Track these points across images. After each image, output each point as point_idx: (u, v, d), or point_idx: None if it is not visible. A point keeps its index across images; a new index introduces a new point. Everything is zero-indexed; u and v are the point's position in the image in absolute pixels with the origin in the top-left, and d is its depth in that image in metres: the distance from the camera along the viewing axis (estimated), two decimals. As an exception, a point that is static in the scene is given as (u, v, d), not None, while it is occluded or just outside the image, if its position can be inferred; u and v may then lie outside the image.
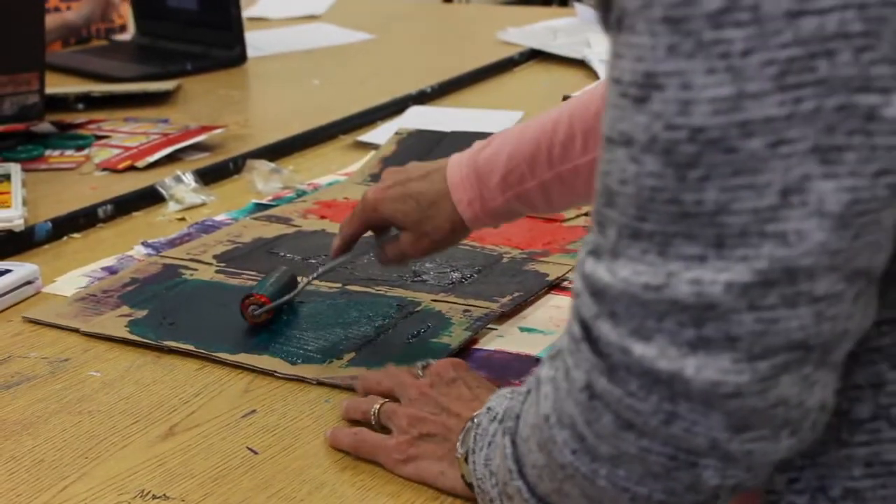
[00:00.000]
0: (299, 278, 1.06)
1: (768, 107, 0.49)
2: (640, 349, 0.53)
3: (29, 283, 1.13)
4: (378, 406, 0.84)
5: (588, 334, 0.56)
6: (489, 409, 0.72)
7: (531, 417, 0.62)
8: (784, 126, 0.49)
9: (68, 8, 2.32)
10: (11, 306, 1.10)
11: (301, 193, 1.40)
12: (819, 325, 0.52)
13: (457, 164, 0.93)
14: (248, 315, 1.00)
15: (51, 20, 2.15)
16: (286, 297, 1.01)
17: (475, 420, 0.73)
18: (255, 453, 0.83)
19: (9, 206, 1.30)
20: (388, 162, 1.45)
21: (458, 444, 0.75)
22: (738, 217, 0.50)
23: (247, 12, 2.40)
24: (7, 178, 1.39)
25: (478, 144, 0.94)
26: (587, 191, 0.82)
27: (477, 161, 0.93)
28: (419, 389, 0.83)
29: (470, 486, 0.73)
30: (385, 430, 0.83)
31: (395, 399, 0.85)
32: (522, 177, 0.91)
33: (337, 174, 1.49)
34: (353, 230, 0.98)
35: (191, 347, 0.98)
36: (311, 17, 2.62)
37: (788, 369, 0.52)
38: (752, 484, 0.57)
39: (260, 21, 2.58)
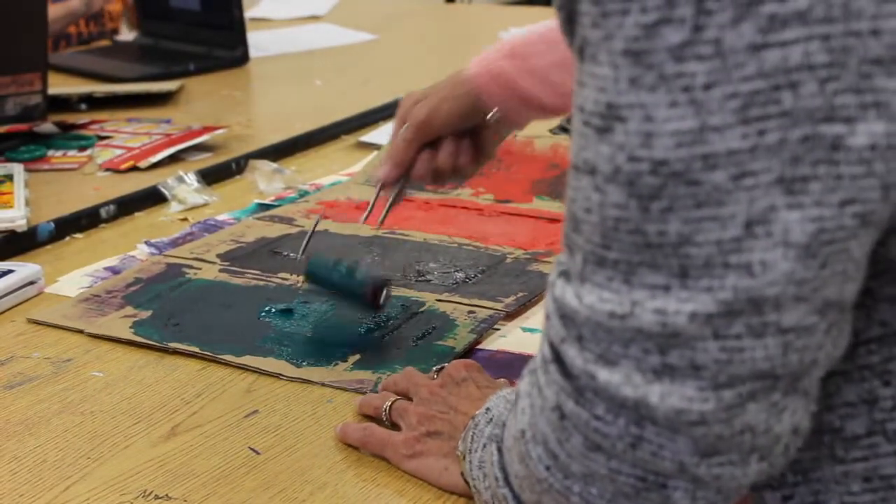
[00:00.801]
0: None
1: (731, 139, 0.48)
2: (605, 375, 0.53)
3: (31, 283, 1.12)
4: (390, 403, 0.84)
5: (557, 356, 0.56)
6: (488, 409, 0.73)
7: (512, 429, 0.63)
8: (748, 158, 0.48)
9: None
10: (14, 306, 1.10)
11: (303, 194, 1.40)
12: (786, 355, 0.52)
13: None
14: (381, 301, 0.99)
15: (56, 10, 2.15)
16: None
17: (475, 419, 0.73)
18: (258, 453, 0.83)
19: (11, 207, 1.30)
20: (390, 162, 1.45)
21: (460, 441, 0.75)
22: (702, 248, 0.50)
23: (249, 13, 2.40)
24: (10, 178, 1.39)
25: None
26: None
27: (504, 42, 0.95)
28: (430, 389, 0.84)
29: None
30: (396, 427, 0.83)
31: (409, 398, 0.85)
32: (527, 52, 0.93)
33: (339, 174, 1.49)
34: (410, 153, 0.97)
35: (196, 349, 0.98)
36: (314, 18, 2.62)
37: (755, 397, 0.52)
38: None
39: (262, 21, 2.57)
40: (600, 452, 0.55)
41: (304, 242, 1.04)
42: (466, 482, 0.73)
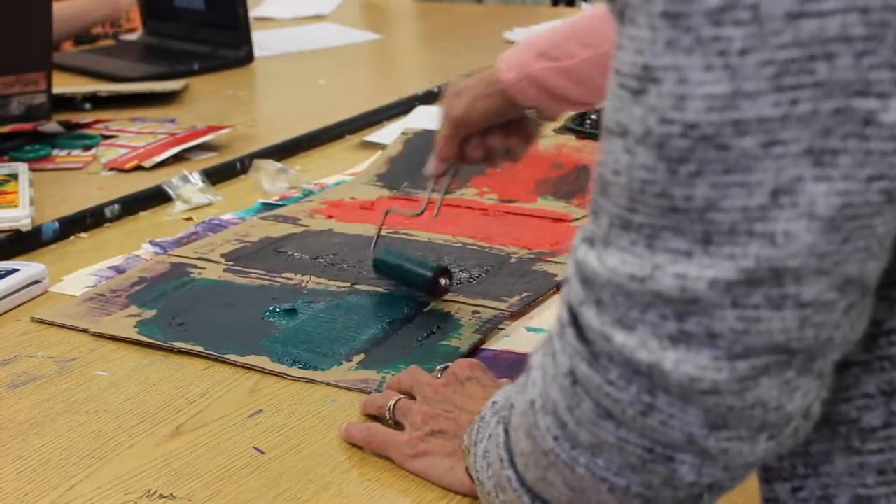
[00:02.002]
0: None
1: (763, 106, 0.48)
2: (621, 339, 0.53)
3: (36, 282, 1.13)
4: (393, 402, 0.84)
5: (574, 320, 0.56)
6: (494, 402, 0.72)
7: (521, 404, 0.62)
8: (778, 127, 0.49)
9: None
10: (19, 306, 1.10)
11: (308, 193, 1.40)
12: (803, 329, 0.52)
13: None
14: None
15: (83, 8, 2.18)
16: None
17: (481, 413, 0.73)
18: (262, 453, 0.83)
19: (16, 206, 1.30)
20: (395, 162, 1.45)
21: (465, 436, 0.75)
22: (727, 215, 0.50)
23: (253, 12, 2.41)
24: (14, 177, 1.39)
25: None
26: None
27: (539, 34, 0.98)
28: (434, 388, 0.84)
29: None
30: (399, 426, 0.83)
31: (413, 397, 0.85)
32: (558, 53, 0.96)
33: (344, 174, 1.49)
34: (452, 148, 1.01)
35: (200, 349, 0.98)
36: (318, 17, 2.62)
37: (769, 372, 0.52)
38: (729, 485, 0.57)
39: (266, 21, 2.58)
40: (610, 420, 0.55)
41: (375, 238, 1.11)
42: (471, 478, 0.73)
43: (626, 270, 0.53)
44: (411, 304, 1.05)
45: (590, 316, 0.54)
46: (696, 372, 0.52)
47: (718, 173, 0.50)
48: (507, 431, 0.65)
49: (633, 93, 0.51)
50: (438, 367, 0.88)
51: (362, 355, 0.96)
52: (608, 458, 0.57)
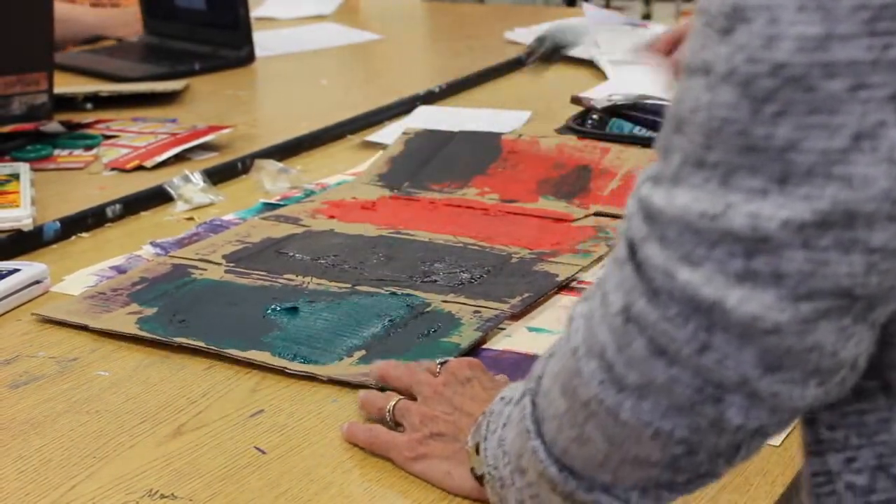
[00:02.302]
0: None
1: (855, 50, 0.49)
2: (685, 275, 0.53)
3: (37, 282, 1.13)
4: (394, 403, 0.84)
5: (634, 256, 0.56)
6: (502, 398, 0.72)
7: (556, 363, 0.62)
8: (868, 70, 0.49)
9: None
10: (20, 306, 1.10)
11: (309, 193, 1.40)
12: (868, 275, 0.52)
13: None
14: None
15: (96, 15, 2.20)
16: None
17: (489, 410, 0.73)
18: (263, 453, 0.83)
19: (17, 206, 1.30)
20: (396, 161, 1.45)
21: (468, 438, 0.75)
22: (807, 156, 0.50)
23: (255, 12, 2.41)
24: (16, 177, 1.39)
25: None
26: None
27: None
28: (434, 388, 0.83)
29: (480, 478, 0.73)
30: (400, 426, 0.83)
31: (413, 396, 0.85)
32: None
33: (345, 174, 1.49)
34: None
35: (201, 344, 0.98)
36: (319, 18, 2.62)
37: (829, 315, 0.53)
38: (773, 431, 0.58)
39: (268, 21, 2.58)
40: (663, 358, 0.55)
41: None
42: (478, 477, 0.73)
43: (697, 208, 0.53)
44: (412, 304, 1.05)
45: (653, 251, 0.55)
46: (759, 311, 0.52)
47: (802, 114, 0.50)
48: (534, 402, 0.65)
49: (721, 31, 0.52)
50: (438, 361, 0.88)
51: (363, 351, 0.96)
52: (655, 399, 0.56)
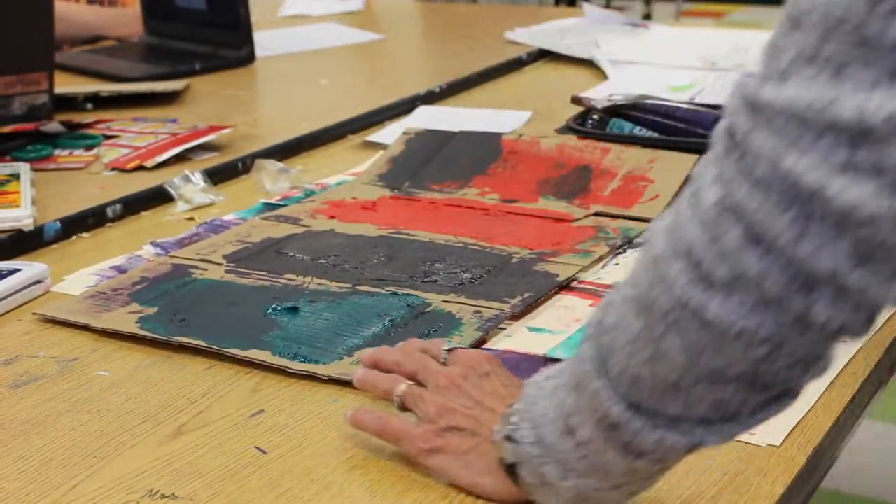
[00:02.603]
0: None
1: None
2: (790, 162, 0.55)
3: (38, 282, 1.13)
4: (403, 388, 0.81)
5: (737, 147, 0.57)
6: (535, 382, 0.72)
7: (627, 288, 0.63)
8: None
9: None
10: (20, 305, 1.10)
11: (309, 193, 1.40)
12: None
13: None
14: None
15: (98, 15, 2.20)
16: None
17: (513, 405, 0.72)
18: (264, 453, 0.83)
19: (18, 206, 1.30)
20: (396, 162, 1.45)
21: (495, 429, 0.73)
22: None
23: (281, 11, 2.42)
24: (16, 177, 1.39)
25: None
26: None
27: None
28: (450, 378, 0.80)
29: (511, 467, 0.72)
30: (407, 411, 0.81)
31: (418, 382, 0.82)
32: None
33: (345, 174, 1.49)
34: None
35: (202, 343, 0.98)
36: (349, 14, 2.63)
37: None
38: (853, 332, 0.58)
39: (299, 18, 2.58)
40: (758, 246, 0.56)
41: None
42: (508, 468, 0.72)
43: (807, 98, 0.54)
44: (412, 304, 1.05)
45: (759, 141, 0.56)
46: (857, 201, 0.54)
47: None
48: (598, 345, 0.65)
49: None
50: (444, 348, 0.84)
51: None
52: (744, 294, 0.57)
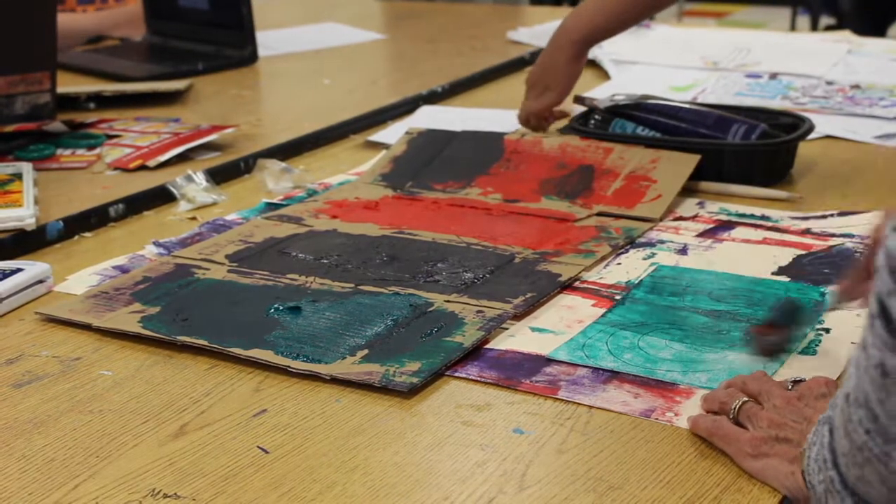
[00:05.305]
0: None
1: None
2: None
3: (40, 281, 1.13)
4: (740, 403, 0.83)
5: (883, 311, 0.56)
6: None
7: (839, 400, 0.63)
8: None
9: (84, 10, 2.35)
10: (23, 305, 1.10)
11: (312, 193, 1.40)
12: None
13: None
14: (760, 344, 0.95)
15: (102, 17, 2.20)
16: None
17: (821, 418, 0.73)
18: (266, 452, 0.83)
19: (21, 206, 1.30)
20: (398, 161, 1.45)
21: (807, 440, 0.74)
22: None
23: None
24: (19, 177, 1.39)
25: None
26: None
27: None
28: (786, 398, 0.82)
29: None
30: (740, 426, 0.82)
31: (758, 402, 0.83)
32: None
33: (348, 174, 1.49)
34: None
35: (204, 343, 0.98)
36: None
37: None
38: None
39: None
40: None
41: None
42: (805, 484, 0.73)
43: None
44: (415, 304, 1.05)
45: None
46: None
47: None
48: (831, 431, 0.65)
49: None
50: (790, 379, 0.85)
51: (366, 350, 0.96)
52: None
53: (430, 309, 1.04)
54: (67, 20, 2.29)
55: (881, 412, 0.57)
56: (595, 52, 2.03)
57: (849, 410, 0.60)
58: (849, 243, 1.17)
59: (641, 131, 1.45)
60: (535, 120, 1.54)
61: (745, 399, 0.83)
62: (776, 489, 0.76)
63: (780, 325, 0.95)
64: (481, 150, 1.44)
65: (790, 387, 0.85)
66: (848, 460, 0.62)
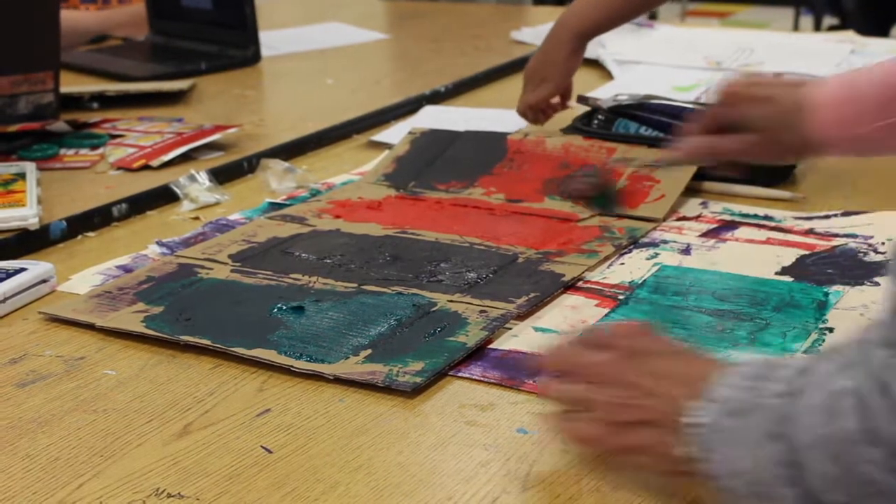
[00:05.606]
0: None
1: None
2: None
3: (44, 281, 1.13)
4: (573, 394, 0.77)
5: None
6: (712, 400, 0.67)
7: (820, 427, 0.60)
8: None
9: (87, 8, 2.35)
10: (26, 305, 1.10)
11: (315, 193, 1.40)
12: None
13: (827, 84, 0.92)
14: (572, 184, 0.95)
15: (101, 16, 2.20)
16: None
17: (693, 413, 0.68)
18: (270, 452, 0.83)
19: (24, 205, 1.30)
20: (401, 161, 1.45)
21: (677, 426, 0.69)
22: None
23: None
24: (22, 176, 1.40)
25: (849, 72, 0.93)
26: None
27: (853, 83, 0.90)
28: (601, 369, 0.75)
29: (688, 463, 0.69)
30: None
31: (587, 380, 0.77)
32: (894, 110, 0.88)
33: (351, 173, 1.49)
34: (707, 126, 0.97)
35: (207, 342, 0.98)
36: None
37: None
38: None
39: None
40: None
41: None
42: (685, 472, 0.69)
43: None
44: (418, 303, 1.05)
45: None
46: None
47: None
48: (791, 449, 0.62)
49: None
50: (578, 329, 0.79)
51: (369, 350, 0.96)
52: None
53: (434, 309, 1.04)
54: (71, 17, 2.29)
55: None
56: (598, 52, 2.03)
57: (856, 448, 0.57)
58: (852, 243, 1.17)
59: (644, 131, 1.45)
60: (532, 113, 1.55)
61: (576, 388, 0.76)
62: (644, 477, 0.75)
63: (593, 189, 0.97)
64: (484, 150, 1.44)
65: (594, 340, 0.78)
66: (833, 486, 0.60)
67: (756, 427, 0.64)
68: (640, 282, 1.10)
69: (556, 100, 1.55)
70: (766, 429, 0.63)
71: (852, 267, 1.11)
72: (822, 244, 1.17)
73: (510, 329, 1.01)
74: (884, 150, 0.96)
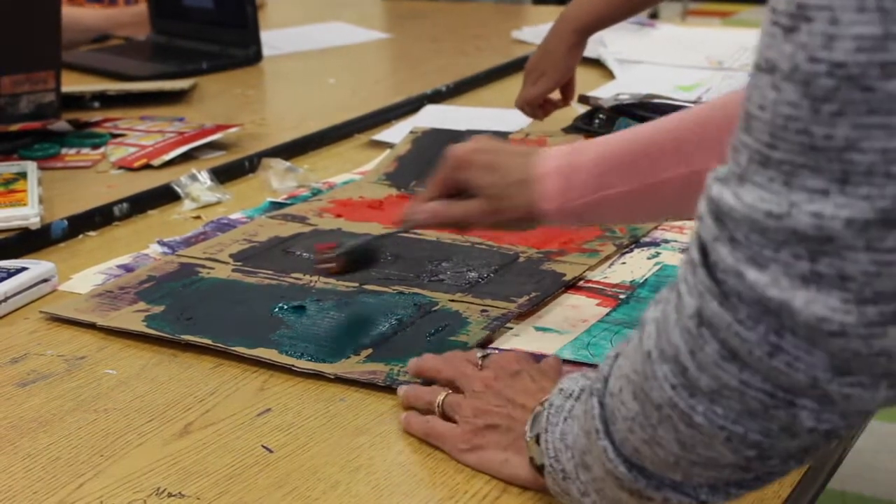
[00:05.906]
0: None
1: None
2: (753, 276, 0.53)
3: (45, 280, 1.13)
4: (442, 397, 0.85)
5: (706, 258, 0.56)
6: (561, 389, 0.73)
7: (626, 366, 0.63)
8: None
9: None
10: (28, 304, 1.10)
11: (316, 192, 1.40)
12: None
13: (550, 155, 0.95)
14: (318, 258, 1.00)
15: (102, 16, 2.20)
16: (352, 244, 1.04)
17: (545, 403, 0.74)
18: (270, 452, 0.83)
19: (25, 204, 1.30)
20: (403, 161, 1.45)
21: (526, 429, 0.75)
22: (866, 155, 0.50)
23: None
24: (23, 176, 1.40)
25: (574, 144, 0.95)
26: (674, 206, 0.88)
27: (575, 153, 0.93)
28: (484, 382, 0.84)
29: (540, 468, 0.73)
30: (449, 420, 0.83)
31: (457, 389, 0.86)
32: (608, 182, 0.91)
33: (352, 173, 1.49)
34: (436, 191, 0.98)
35: (208, 342, 0.98)
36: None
37: None
38: (845, 432, 0.58)
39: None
40: (734, 362, 0.55)
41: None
42: (538, 467, 0.73)
43: (763, 207, 0.53)
44: (419, 303, 1.05)
45: (723, 253, 0.55)
46: (824, 313, 0.52)
47: (860, 114, 0.50)
48: (602, 403, 0.65)
49: (785, 30, 0.52)
50: (479, 355, 0.88)
51: (370, 350, 0.96)
52: (728, 404, 0.57)
53: (435, 308, 1.04)
54: (74, 14, 2.30)
55: (691, 364, 0.57)
56: (600, 52, 2.03)
57: (652, 368, 0.59)
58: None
59: (646, 131, 1.45)
60: (530, 108, 1.55)
61: (447, 392, 0.85)
62: (499, 480, 0.78)
63: (347, 257, 1.02)
64: (486, 150, 1.43)
65: (480, 362, 0.87)
66: (633, 425, 0.62)
67: (584, 399, 0.69)
68: (641, 281, 1.10)
69: (556, 96, 1.55)
70: (592, 389, 0.67)
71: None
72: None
73: (511, 328, 1.01)
74: (605, 220, 1.01)
